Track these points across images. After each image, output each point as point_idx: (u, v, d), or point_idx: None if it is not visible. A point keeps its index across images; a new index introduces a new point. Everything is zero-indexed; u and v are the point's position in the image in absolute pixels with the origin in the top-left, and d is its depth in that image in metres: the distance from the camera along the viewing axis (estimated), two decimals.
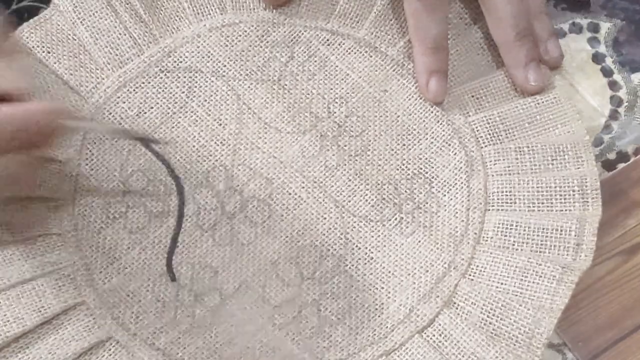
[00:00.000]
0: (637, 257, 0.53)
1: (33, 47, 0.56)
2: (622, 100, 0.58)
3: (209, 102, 0.56)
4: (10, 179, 0.46)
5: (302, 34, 0.58)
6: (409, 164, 0.55)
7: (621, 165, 0.57)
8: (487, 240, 0.52)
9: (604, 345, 0.51)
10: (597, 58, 0.60)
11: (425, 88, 0.56)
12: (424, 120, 0.56)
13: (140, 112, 0.56)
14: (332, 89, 0.57)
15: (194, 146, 0.55)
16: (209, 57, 0.57)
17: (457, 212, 0.53)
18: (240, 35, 0.58)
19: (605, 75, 0.59)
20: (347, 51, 0.58)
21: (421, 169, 0.55)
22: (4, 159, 0.44)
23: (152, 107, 0.56)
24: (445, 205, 0.54)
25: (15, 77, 0.45)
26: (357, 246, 0.52)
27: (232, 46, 0.57)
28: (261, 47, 0.58)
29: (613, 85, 0.59)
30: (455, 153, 0.55)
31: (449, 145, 0.55)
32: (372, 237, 0.53)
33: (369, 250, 0.52)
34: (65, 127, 0.46)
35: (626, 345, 0.51)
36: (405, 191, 0.54)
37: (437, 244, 0.53)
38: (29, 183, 0.50)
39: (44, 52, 0.56)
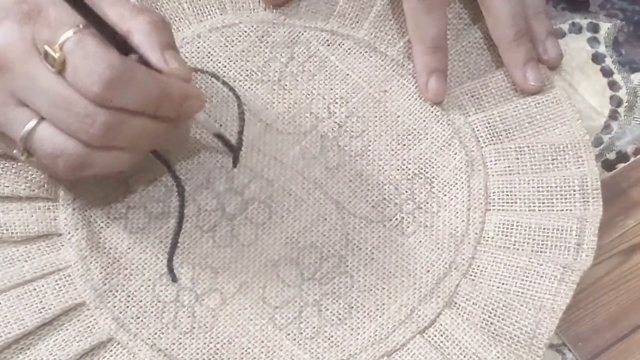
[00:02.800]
0: (636, 257, 0.53)
1: None
2: (622, 100, 0.58)
3: (210, 104, 0.56)
4: (137, 141, 0.47)
5: (302, 34, 0.58)
6: (410, 164, 0.55)
7: (621, 165, 0.57)
8: (487, 240, 0.52)
9: (604, 345, 0.51)
10: (596, 58, 0.60)
11: (425, 87, 0.56)
12: (424, 121, 0.56)
13: None
14: (332, 89, 0.57)
15: (195, 147, 0.55)
16: (209, 57, 0.57)
17: (457, 212, 0.53)
18: (240, 36, 0.58)
19: (605, 75, 0.59)
20: (347, 51, 0.58)
21: (422, 169, 0.55)
22: (147, 121, 0.47)
23: None
24: (445, 205, 0.54)
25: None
26: (357, 247, 0.52)
27: (232, 47, 0.57)
28: (261, 47, 0.58)
29: (613, 85, 0.59)
30: (456, 153, 0.55)
31: (449, 145, 0.55)
32: (373, 237, 0.53)
33: (370, 250, 0.52)
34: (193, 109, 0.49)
35: (625, 346, 0.50)
36: (406, 191, 0.54)
37: (438, 244, 0.53)
38: (141, 153, 0.50)
39: None
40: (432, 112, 0.56)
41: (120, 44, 0.45)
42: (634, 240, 0.53)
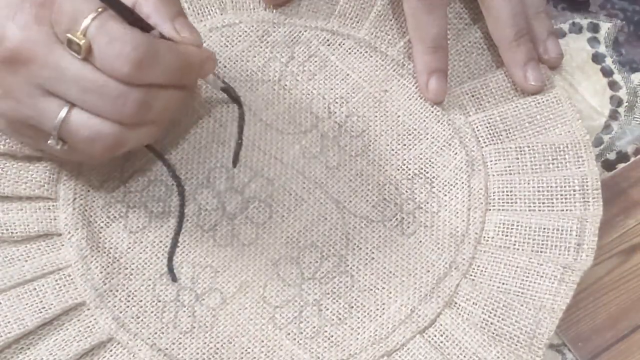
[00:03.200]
0: (636, 257, 0.53)
1: None
2: (622, 100, 0.58)
3: (209, 103, 0.56)
4: (165, 112, 0.48)
5: (302, 34, 0.58)
6: (410, 163, 0.55)
7: (621, 165, 0.57)
8: (488, 240, 0.52)
9: (604, 345, 0.51)
10: (597, 58, 0.60)
11: (426, 87, 0.56)
12: (424, 120, 0.56)
13: None
14: (332, 89, 0.57)
15: (195, 147, 0.55)
16: None
17: (458, 212, 0.53)
18: (240, 36, 0.58)
19: (605, 75, 0.59)
20: (347, 51, 0.58)
21: (422, 169, 0.55)
22: (172, 91, 0.48)
23: None
24: (446, 205, 0.54)
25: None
26: (358, 246, 0.53)
27: (233, 47, 0.58)
28: (261, 47, 0.58)
29: (613, 85, 0.59)
30: (456, 153, 0.55)
31: (450, 145, 0.55)
32: (373, 237, 0.53)
33: (370, 250, 0.52)
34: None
35: (625, 346, 0.50)
36: (406, 191, 0.54)
37: (438, 244, 0.53)
38: (165, 123, 0.51)
39: None
40: (432, 112, 0.56)
41: (138, 22, 0.46)
42: (634, 240, 0.53)
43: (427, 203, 0.54)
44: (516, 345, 0.49)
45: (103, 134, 0.46)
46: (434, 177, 0.55)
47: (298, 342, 0.50)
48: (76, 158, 0.51)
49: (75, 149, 0.48)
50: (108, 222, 0.53)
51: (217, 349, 0.50)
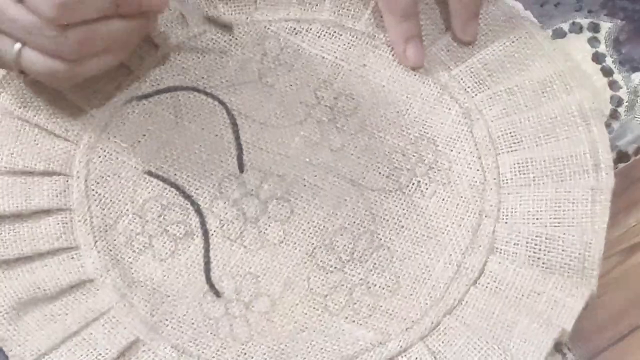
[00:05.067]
0: (636, 257, 0.53)
1: (7, 104, 0.55)
2: (622, 100, 0.58)
3: (198, 117, 0.56)
4: (115, 42, 0.50)
5: (268, 29, 0.58)
6: (409, 128, 0.56)
7: (621, 165, 0.56)
8: (507, 182, 0.54)
9: (604, 345, 0.51)
10: (597, 58, 0.59)
11: (404, 55, 0.57)
12: (410, 85, 0.57)
13: (134, 143, 0.55)
14: (313, 75, 0.57)
15: (197, 162, 0.55)
16: (185, 73, 0.57)
17: (470, 163, 0.55)
18: (208, 45, 0.57)
19: (605, 75, 0.59)
20: (316, 35, 0.58)
21: (422, 130, 0.56)
22: (115, 22, 0.49)
23: (144, 135, 0.55)
24: (456, 160, 0.55)
25: None
26: (384, 219, 0.53)
27: (205, 57, 0.57)
28: (232, 51, 0.57)
29: (613, 84, 0.59)
30: (450, 108, 0.56)
31: (441, 101, 0.56)
32: (396, 206, 0.54)
33: (397, 220, 0.53)
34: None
35: (626, 345, 0.51)
36: (414, 155, 0.55)
37: (461, 197, 0.54)
38: (125, 51, 0.52)
39: (20, 107, 0.55)
40: (415, 74, 0.57)
41: None
42: (634, 240, 0.53)
43: (437, 162, 0.55)
44: (569, 272, 0.51)
45: (55, 69, 0.49)
46: (436, 136, 0.55)
47: (358, 323, 0.51)
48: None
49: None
50: (135, 256, 0.53)
51: (282, 349, 0.51)
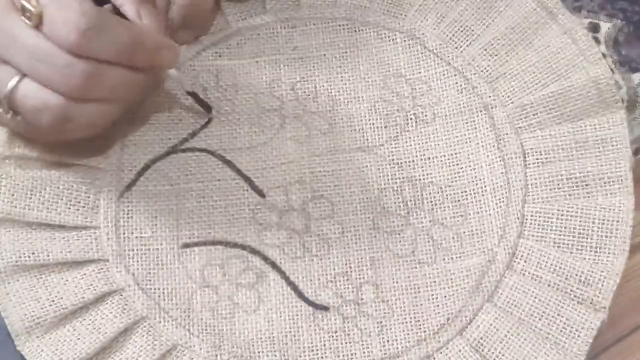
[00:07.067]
0: (636, 257, 0.53)
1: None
2: (622, 100, 0.58)
3: (191, 173, 0.55)
4: (118, 92, 0.49)
5: (193, 65, 0.57)
6: (392, 85, 0.56)
7: None
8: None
9: (604, 345, 0.51)
10: None
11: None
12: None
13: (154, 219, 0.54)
14: (259, 82, 0.57)
15: (221, 212, 0.54)
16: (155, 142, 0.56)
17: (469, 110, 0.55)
18: (157, 109, 0.56)
19: None
20: (234, 52, 0.58)
21: (411, 91, 0.56)
22: (125, 71, 0.48)
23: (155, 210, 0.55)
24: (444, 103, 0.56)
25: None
26: (415, 181, 0.54)
27: (159, 116, 0.56)
28: (175, 101, 0.57)
29: None
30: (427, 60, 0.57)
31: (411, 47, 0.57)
32: (424, 172, 0.54)
33: (428, 182, 0.54)
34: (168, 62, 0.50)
35: (625, 346, 0.51)
36: (414, 107, 0.55)
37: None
38: (122, 106, 0.51)
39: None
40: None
41: None
42: (634, 240, 0.52)
43: (437, 105, 0.56)
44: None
45: (50, 104, 0.47)
46: (424, 82, 0.56)
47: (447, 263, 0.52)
48: (27, 133, 0.51)
49: (24, 122, 0.49)
50: (230, 320, 0.52)
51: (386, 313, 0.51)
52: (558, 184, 0.53)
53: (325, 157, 0.55)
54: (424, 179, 0.54)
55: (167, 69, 0.51)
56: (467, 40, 0.56)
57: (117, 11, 0.48)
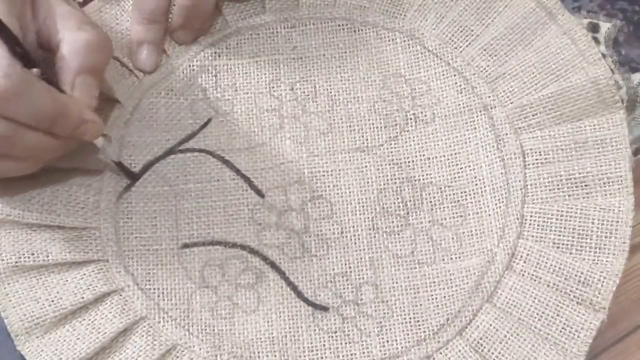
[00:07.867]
0: (636, 257, 0.54)
1: None
2: (622, 100, 0.58)
3: (190, 174, 0.55)
4: (33, 153, 0.48)
5: (193, 65, 0.57)
6: (389, 82, 0.56)
7: None
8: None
9: (604, 345, 0.51)
10: None
11: (135, 57, 0.56)
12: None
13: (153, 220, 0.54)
14: (258, 82, 0.57)
15: (220, 212, 0.54)
16: (154, 143, 0.56)
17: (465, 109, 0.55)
18: (157, 105, 0.56)
19: None
20: (233, 52, 0.57)
21: (409, 85, 0.56)
22: (43, 137, 0.47)
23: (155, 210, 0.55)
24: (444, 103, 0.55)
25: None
26: (415, 180, 0.54)
27: (157, 117, 0.56)
28: (175, 101, 0.56)
29: None
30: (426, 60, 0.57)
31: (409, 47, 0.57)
32: (425, 171, 0.54)
33: (427, 181, 0.54)
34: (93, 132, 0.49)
35: (625, 346, 0.51)
36: (414, 107, 0.55)
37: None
38: (38, 165, 0.50)
39: None
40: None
41: (24, 55, 0.46)
42: (634, 240, 0.52)
43: (436, 104, 0.55)
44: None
45: None
46: (423, 82, 0.56)
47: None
48: None
49: None
50: (229, 321, 0.52)
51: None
52: (557, 185, 0.53)
53: (325, 157, 0.55)
54: (423, 179, 0.54)
55: (88, 141, 0.50)
56: (466, 41, 0.56)
57: (46, 77, 0.47)
